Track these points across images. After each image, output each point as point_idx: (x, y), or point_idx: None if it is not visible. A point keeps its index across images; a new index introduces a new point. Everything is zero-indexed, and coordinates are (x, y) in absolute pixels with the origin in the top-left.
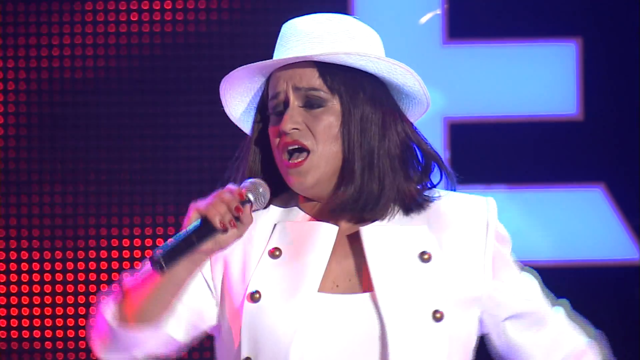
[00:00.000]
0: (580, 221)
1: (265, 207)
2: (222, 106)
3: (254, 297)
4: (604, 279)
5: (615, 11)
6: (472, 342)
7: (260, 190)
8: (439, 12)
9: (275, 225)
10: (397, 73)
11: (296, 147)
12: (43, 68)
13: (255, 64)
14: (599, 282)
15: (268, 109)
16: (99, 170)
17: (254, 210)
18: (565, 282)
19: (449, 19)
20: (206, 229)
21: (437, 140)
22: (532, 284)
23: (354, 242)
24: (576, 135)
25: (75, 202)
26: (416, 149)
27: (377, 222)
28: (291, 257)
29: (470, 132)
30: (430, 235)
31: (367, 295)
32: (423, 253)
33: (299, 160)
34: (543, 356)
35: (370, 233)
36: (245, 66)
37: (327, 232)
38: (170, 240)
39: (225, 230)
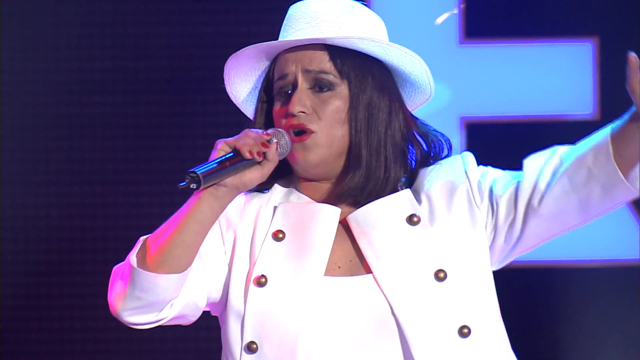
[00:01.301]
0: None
1: (266, 190)
2: (224, 88)
3: (260, 281)
4: (608, 277)
5: (632, 11)
6: (491, 292)
7: (284, 136)
8: (455, 12)
9: (275, 207)
10: (406, 61)
11: (302, 129)
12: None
13: (266, 43)
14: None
15: (273, 90)
16: (116, 170)
17: (258, 192)
18: (577, 281)
19: (466, 18)
20: (236, 158)
21: (453, 139)
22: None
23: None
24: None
25: (93, 202)
26: (418, 136)
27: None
28: (295, 240)
29: (486, 132)
30: (414, 199)
31: (369, 276)
32: (411, 216)
33: (304, 135)
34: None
35: (357, 217)
36: (255, 45)
37: (330, 215)
38: (203, 164)
39: (253, 160)
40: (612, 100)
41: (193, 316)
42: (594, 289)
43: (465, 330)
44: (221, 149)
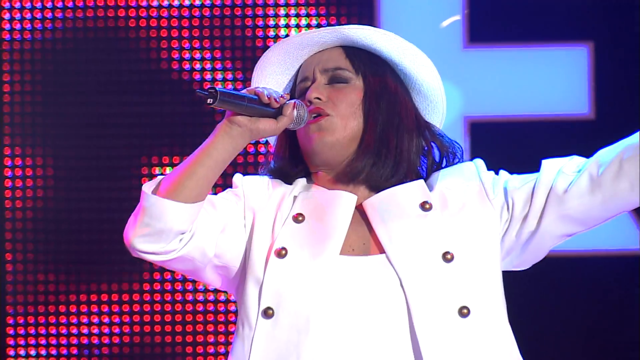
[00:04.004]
0: None
1: (289, 183)
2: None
3: (281, 253)
4: (607, 267)
5: (625, 17)
6: (496, 279)
7: (303, 107)
8: (459, 17)
9: (296, 197)
10: (418, 64)
11: (318, 113)
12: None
13: (287, 39)
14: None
15: (296, 94)
16: (139, 165)
17: (284, 183)
18: (577, 270)
19: (469, 24)
20: (255, 99)
21: (458, 137)
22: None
23: (365, 209)
24: (588, 134)
25: (119, 196)
26: (427, 133)
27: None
28: (313, 222)
29: (489, 130)
30: (428, 190)
31: (382, 256)
32: (424, 203)
33: (320, 117)
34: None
35: (374, 203)
36: (277, 44)
37: (347, 200)
38: (227, 89)
39: (269, 108)
40: (606, 100)
41: (201, 263)
42: (594, 278)
43: (465, 311)
44: (246, 91)
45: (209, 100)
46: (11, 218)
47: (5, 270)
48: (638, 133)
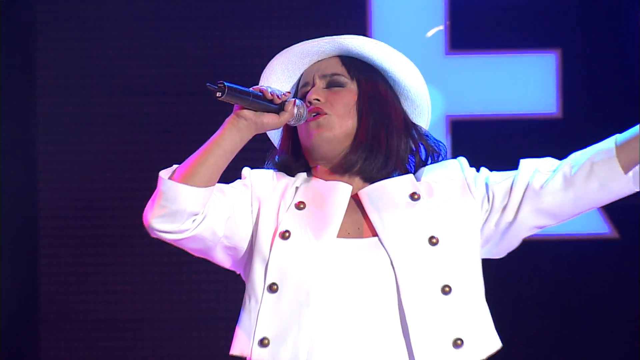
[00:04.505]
0: None
1: (292, 175)
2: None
3: (285, 235)
4: (576, 249)
5: (588, 28)
6: (475, 262)
7: (303, 106)
8: (442, 28)
9: (297, 187)
10: (406, 70)
11: (317, 112)
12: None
13: (289, 48)
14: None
15: (298, 97)
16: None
17: (287, 175)
18: (549, 254)
19: (451, 33)
20: (260, 96)
21: (440, 134)
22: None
23: (359, 198)
24: (556, 131)
25: (141, 186)
26: (414, 133)
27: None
28: (314, 209)
29: (468, 127)
30: (416, 182)
31: (375, 239)
32: (413, 194)
33: (319, 115)
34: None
35: (369, 192)
36: (281, 53)
37: (343, 190)
38: (235, 85)
39: (272, 105)
40: (572, 101)
41: (211, 242)
42: (564, 261)
43: (447, 289)
44: (251, 89)
45: (218, 94)
46: (44, 201)
47: (40, 245)
48: (608, 139)
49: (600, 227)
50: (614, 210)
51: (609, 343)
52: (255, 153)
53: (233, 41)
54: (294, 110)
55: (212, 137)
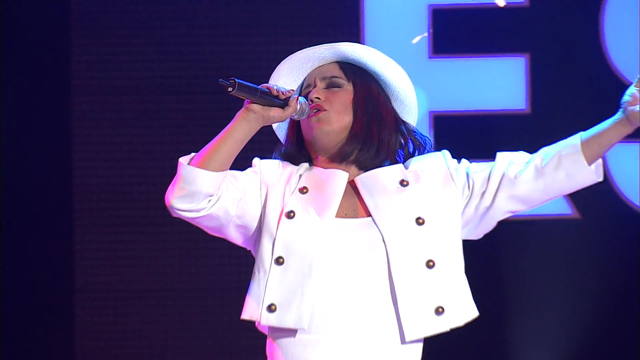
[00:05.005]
0: None
1: (296, 164)
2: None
3: (290, 215)
4: (543, 228)
5: (553, 36)
6: (456, 240)
7: (306, 102)
8: (426, 35)
9: (301, 175)
10: (395, 73)
11: (318, 108)
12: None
13: (299, 52)
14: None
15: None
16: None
17: (292, 164)
18: (516, 233)
19: (433, 40)
20: (267, 92)
21: (424, 128)
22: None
23: (355, 184)
24: (525, 124)
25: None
26: (403, 128)
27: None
28: (315, 193)
29: (449, 122)
30: (405, 170)
31: (369, 219)
32: (402, 180)
33: (319, 111)
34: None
35: (363, 179)
36: (291, 56)
37: (341, 177)
38: (245, 81)
39: (277, 100)
40: (539, 99)
41: (225, 220)
42: (533, 239)
43: (431, 263)
44: (260, 86)
45: (230, 89)
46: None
47: (75, 225)
48: (574, 136)
49: (564, 208)
50: (576, 193)
51: (575, 315)
52: (263, 145)
53: (244, 46)
54: (297, 105)
55: (225, 128)
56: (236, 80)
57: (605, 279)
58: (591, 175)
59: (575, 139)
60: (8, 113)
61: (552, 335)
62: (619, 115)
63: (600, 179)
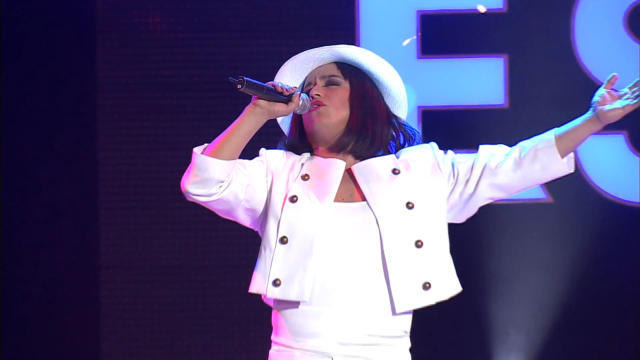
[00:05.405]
0: None
1: (298, 154)
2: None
3: (293, 199)
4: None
5: (529, 39)
6: (442, 223)
7: (307, 98)
8: (415, 37)
9: (303, 164)
10: (387, 72)
11: (318, 104)
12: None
13: (301, 54)
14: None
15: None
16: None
17: (295, 154)
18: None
19: (422, 42)
20: (272, 89)
21: (413, 121)
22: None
23: (352, 172)
24: (504, 118)
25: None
26: (394, 122)
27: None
28: (316, 180)
29: (435, 116)
30: (397, 160)
31: (364, 203)
32: (394, 169)
33: (319, 106)
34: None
35: (359, 167)
36: (293, 57)
37: (339, 165)
38: (253, 79)
39: (282, 96)
40: (516, 96)
41: (234, 204)
42: (510, 222)
43: (420, 243)
44: (266, 84)
45: (239, 86)
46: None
47: (100, 207)
48: (549, 131)
49: (539, 194)
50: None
51: (549, 290)
52: (269, 136)
53: (251, 48)
54: (300, 101)
55: (234, 121)
56: (245, 78)
57: (576, 257)
58: (564, 167)
59: (550, 135)
60: (43, 107)
61: (528, 307)
62: (589, 113)
63: (572, 170)
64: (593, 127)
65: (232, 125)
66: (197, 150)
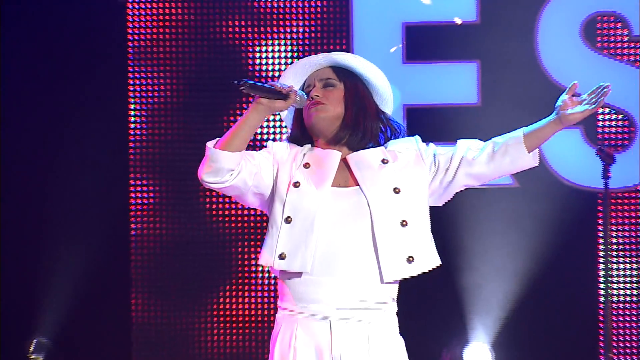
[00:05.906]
0: None
1: (300, 146)
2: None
3: (296, 184)
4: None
5: (499, 46)
6: (424, 206)
7: (304, 95)
8: (400, 45)
9: (305, 154)
10: (377, 75)
11: (317, 102)
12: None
13: (301, 60)
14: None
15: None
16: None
17: (298, 145)
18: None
19: (406, 49)
20: (271, 89)
21: (399, 118)
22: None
23: (347, 161)
24: (477, 115)
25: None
26: (382, 117)
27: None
28: (316, 168)
29: (418, 113)
30: (385, 151)
31: (357, 188)
32: (383, 159)
33: (318, 104)
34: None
35: (353, 157)
36: (295, 63)
37: (335, 155)
38: (254, 81)
39: (281, 94)
40: (487, 95)
41: (244, 189)
42: (481, 204)
43: (405, 223)
44: (266, 85)
45: (242, 88)
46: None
47: (130, 208)
48: (518, 129)
49: (507, 179)
50: None
51: (515, 266)
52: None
53: (260, 54)
54: (297, 97)
55: (240, 118)
56: (246, 81)
57: (539, 235)
58: (530, 161)
59: (519, 132)
60: (77, 104)
61: (497, 278)
62: (553, 116)
63: (537, 163)
64: (556, 127)
65: (238, 121)
66: (209, 144)
